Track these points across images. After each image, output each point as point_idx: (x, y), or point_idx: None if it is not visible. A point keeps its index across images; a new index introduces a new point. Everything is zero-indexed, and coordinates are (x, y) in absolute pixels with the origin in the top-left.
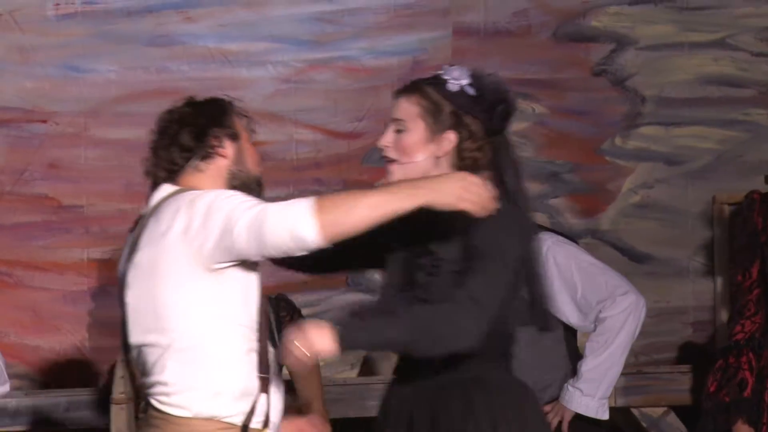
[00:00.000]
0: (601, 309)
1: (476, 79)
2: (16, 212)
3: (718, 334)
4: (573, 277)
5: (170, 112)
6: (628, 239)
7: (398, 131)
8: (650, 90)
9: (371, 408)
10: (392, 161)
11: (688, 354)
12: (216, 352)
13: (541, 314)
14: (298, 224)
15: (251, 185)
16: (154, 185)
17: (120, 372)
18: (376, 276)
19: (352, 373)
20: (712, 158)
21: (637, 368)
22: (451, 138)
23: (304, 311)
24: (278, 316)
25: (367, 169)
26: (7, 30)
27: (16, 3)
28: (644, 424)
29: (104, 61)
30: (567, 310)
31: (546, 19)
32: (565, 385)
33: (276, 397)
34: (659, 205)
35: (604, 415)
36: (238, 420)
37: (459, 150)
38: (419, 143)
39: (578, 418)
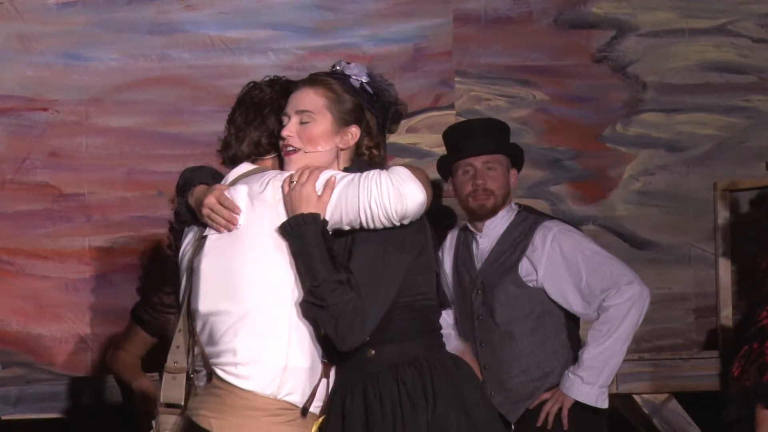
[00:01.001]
0: (605, 298)
1: (373, 79)
2: (18, 200)
3: (720, 321)
4: (578, 266)
5: (258, 90)
6: (629, 226)
7: (303, 122)
8: (651, 76)
9: None
10: (295, 151)
11: (690, 341)
12: (288, 329)
13: (439, 294)
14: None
15: None
16: (233, 160)
17: (177, 341)
18: None
19: None
20: (713, 145)
21: (638, 355)
22: (354, 132)
23: None
24: None
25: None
26: (8, 18)
27: None
28: (646, 411)
29: (105, 49)
30: (571, 298)
31: (547, 6)
32: (566, 372)
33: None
34: (660, 191)
35: (604, 404)
36: (299, 401)
37: (358, 145)
38: (325, 134)
39: (577, 405)
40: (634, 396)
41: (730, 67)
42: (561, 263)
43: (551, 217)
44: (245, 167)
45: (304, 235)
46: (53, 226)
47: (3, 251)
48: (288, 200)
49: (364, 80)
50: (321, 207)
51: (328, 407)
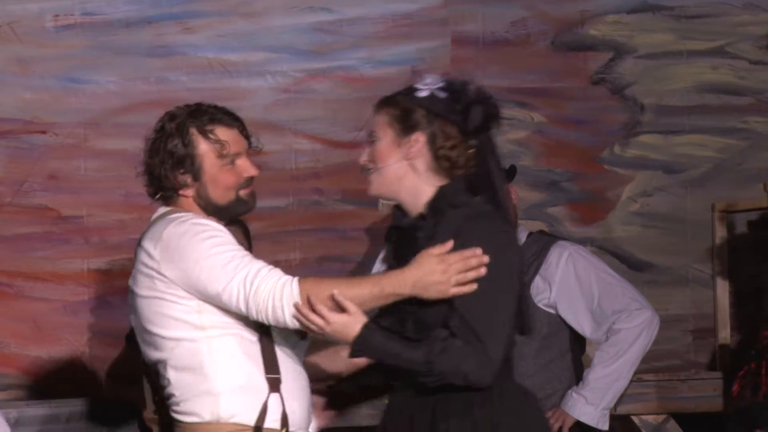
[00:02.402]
0: (616, 320)
1: (449, 84)
2: (16, 223)
3: (718, 342)
4: (591, 287)
5: (154, 134)
6: (627, 247)
7: (371, 143)
8: (649, 98)
9: (366, 416)
10: (370, 173)
11: (688, 362)
12: (207, 357)
13: (524, 319)
14: (288, 319)
15: (226, 211)
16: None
17: (147, 392)
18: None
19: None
20: (711, 166)
21: (637, 376)
22: (418, 139)
23: None
24: None
25: (367, 179)
26: (7, 41)
27: (15, 14)
28: (644, 431)
29: (103, 72)
30: (582, 319)
31: (544, 28)
32: (569, 391)
33: (296, 395)
34: (658, 213)
35: (605, 426)
36: (249, 420)
37: (433, 150)
38: (388, 148)
39: (578, 425)
40: (633, 417)
41: (728, 88)
42: (574, 283)
43: (563, 238)
44: (160, 210)
45: (374, 351)
46: (52, 249)
47: (2, 274)
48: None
49: (434, 87)
50: (354, 320)
51: (385, 417)
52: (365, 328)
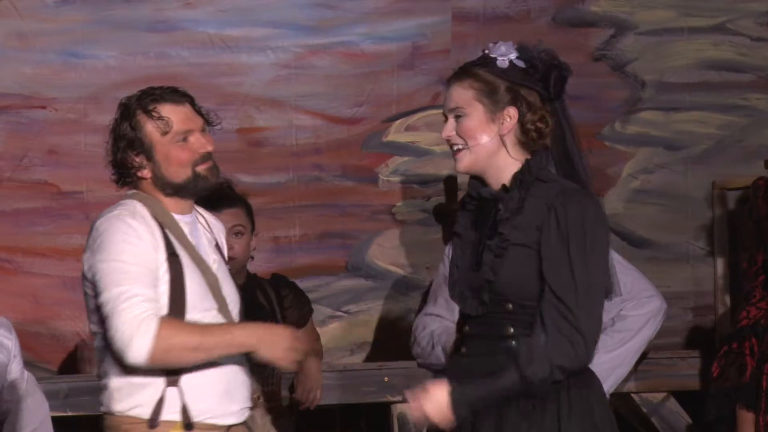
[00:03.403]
0: (623, 308)
1: (524, 52)
2: (16, 198)
3: (718, 320)
4: None
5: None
6: (628, 224)
7: (458, 118)
8: (650, 75)
9: (370, 394)
10: (459, 150)
11: (689, 339)
12: (103, 353)
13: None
14: (130, 352)
15: (185, 189)
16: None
17: None
18: (376, 262)
19: (352, 359)
20: (712, 143)
21: None
22: (511, 113)
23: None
24: (279, 294)
25: (367, 155)
26: (7, 16)
27: None
28: (644, 410)
29: (104, 47)
30: None
31: (545, 4)
32: None
33: (202, 388)
34: (659, 190)
35: None
36: (145, 414)
37: (521, 124)
38: (481, 125)
39: None
40: (632, 395)
41: (729, 65)
42: None
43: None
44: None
45: (474, 404)
46: (52, 224)
47: (1, 249)
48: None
49: (513, 57)
50: (437, 393)
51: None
52: (452, 393)
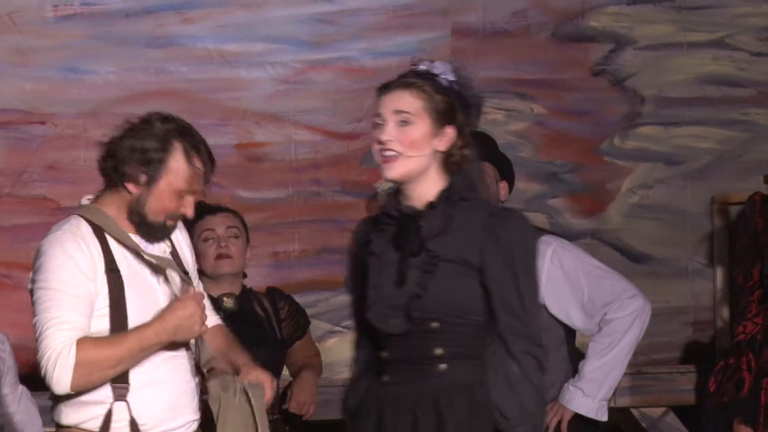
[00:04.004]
0: (607, 311)
1: (459, 75)
2: (15, 214)
3: (718, 334)
4: (579, 280)
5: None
6: (627, 239)
7: (403, 124)
8: (649, 90)
9: None
10: (394, 157)
11: (688, 354)
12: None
13: None
14: (53, 384)
15: (145, 227)
16: None
17: None
18: None
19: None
20: (712, 158)
21: (636, 368)
22: (449, 133)
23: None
24: (275, 306)
25: (366, 170)
26: (6, 32)
27: (15, 4)
28: (643, 425)
29: (103, 63)
30: (573, 313)
31: (544, 20)
32: (566, 384)
33: (152, 400)
34: (658, 205)
35: (603, 417)
36: (94, 427)
37: (452, 145)
38: (425, 137)
39: (576, 418)
40: (632, 410)
41: (729, 80)
42: (562, 278)
43: (548, 232)
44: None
45: None
46: None
47: (1, 264)
48: None
49: (451, 78)
50: None
51: (377, 414)
52: None
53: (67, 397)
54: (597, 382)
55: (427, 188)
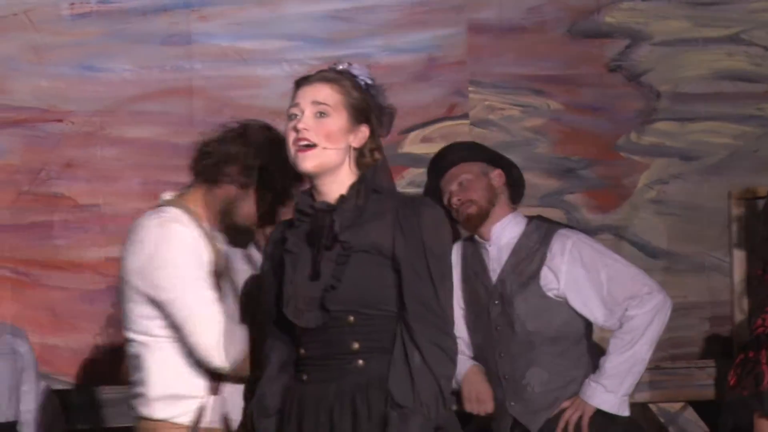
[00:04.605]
0: (628, 307)
1: (373, 81)
2: (33, 212)
3: (736, 329)
4: (599, 275)
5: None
6: (644, 235)
7: (321, 115)
8: (665, 85)
9: None
10: (310, 147)
11: (706, 349)
12: (150, 360)
13: None
14: (216, 359)
15: (225, 228)
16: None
17: None
18: None
19: None
20: (727, 153)
21: (654, 363)
22: (364, 131)
23: None
24: None
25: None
26: (22, 29)
27: (31, 2)
28: (662, 420)
29: (119, 60)
30: (593, 308)
31: (560, 16)
32: (587, 380)
33: (238, 398)
34: (675, 200)
35: (625, 412)
36: (186, 420)
37: (366, 144)
38: (342, 131)
39: (597, 413)
40: (650, 405)
41: (744, 75)
42: (582, 273)
43: (566, 226)
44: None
45: None
46: (69, 237)
47: (19, 262)
48: None
49: (369, 81)
50: None
51: (298, 413)
52: None
53: (162, 391)
54: (618, 378)
55: (340, 184)
